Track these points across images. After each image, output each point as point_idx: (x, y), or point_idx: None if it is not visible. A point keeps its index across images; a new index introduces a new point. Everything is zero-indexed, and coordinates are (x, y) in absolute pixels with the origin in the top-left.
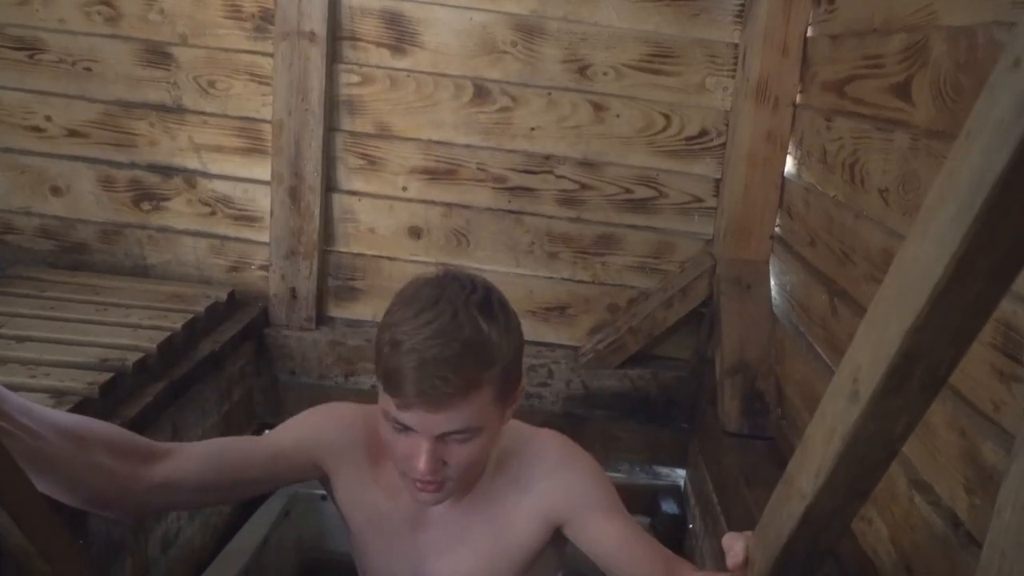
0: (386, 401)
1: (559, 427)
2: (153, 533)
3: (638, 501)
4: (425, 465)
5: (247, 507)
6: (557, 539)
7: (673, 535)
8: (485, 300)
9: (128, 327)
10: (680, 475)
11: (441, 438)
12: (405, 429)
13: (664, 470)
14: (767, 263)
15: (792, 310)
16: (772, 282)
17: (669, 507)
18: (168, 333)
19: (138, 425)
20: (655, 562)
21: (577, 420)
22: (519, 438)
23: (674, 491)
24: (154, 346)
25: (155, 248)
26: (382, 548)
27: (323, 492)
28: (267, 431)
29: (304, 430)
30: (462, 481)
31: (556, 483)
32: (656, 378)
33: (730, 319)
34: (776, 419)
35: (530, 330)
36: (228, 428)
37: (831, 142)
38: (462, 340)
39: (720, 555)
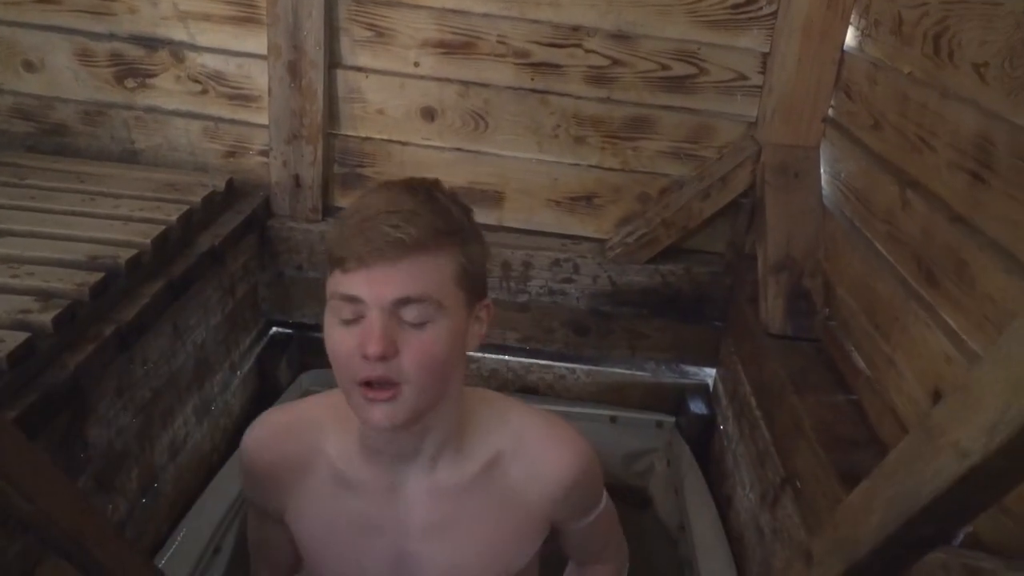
0: (333, 282)
1: (584, 324)
2: (160, 440)
3: (664, 399)
4: (376, 344)
5: (256, 406)
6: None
7: (701, 435)
8: (443, 187)
9: (118, 219)
10: (709, 374)
11: (394, 313)
12: (352, 303)
13: (692, 368)
14: (817, 149)
15: (847, 202)
16: (823, 170)
17: (697, 407)
18: (163, 227)
19: (136, 329)
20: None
21: (603, 317)
22: (511, 410)
23: (702, 390)
24: (148, 241)
25: (143, 131)
26: (351, 547)
27: None
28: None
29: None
30: (420, 390)
31: (567, 480)
32: (688, 273)
33: (775, 211)
34: (823, 320)
35: (554, 221)
36: (233, 327)
37: (910, 9)
38: (417, 199)
39: (755, 462)
